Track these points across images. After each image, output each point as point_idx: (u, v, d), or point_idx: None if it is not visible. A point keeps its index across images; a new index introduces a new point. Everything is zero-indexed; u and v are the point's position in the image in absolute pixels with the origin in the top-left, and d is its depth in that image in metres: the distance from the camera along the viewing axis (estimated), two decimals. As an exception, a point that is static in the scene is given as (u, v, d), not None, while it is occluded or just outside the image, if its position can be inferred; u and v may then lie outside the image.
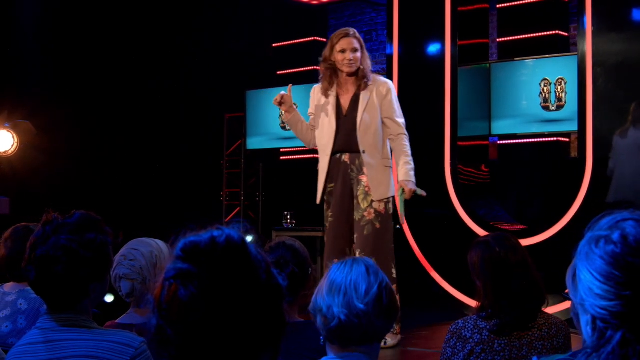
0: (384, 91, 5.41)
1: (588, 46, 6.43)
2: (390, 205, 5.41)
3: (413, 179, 5.35)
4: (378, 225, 5.33)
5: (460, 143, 7.49)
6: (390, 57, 7.89)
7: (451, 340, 3.21)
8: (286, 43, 10.81)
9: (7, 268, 3.73)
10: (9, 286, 3.69)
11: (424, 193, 5.39)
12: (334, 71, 5.44)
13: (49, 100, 8.45)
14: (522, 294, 3.16)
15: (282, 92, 5.46)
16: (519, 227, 7.35)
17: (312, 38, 10.80)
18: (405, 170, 5.36)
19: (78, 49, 8.97)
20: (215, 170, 10.16)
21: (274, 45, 10.90)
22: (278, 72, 10.67)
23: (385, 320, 2.20)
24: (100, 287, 2.53)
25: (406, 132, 5.49)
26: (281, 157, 10.30)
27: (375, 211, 5.33)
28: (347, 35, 5.38)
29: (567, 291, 2.49)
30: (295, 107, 5.58)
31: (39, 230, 2.47)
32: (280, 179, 10.17)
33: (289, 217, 7.92)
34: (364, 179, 5.34)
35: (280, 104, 5.47)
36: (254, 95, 10.03)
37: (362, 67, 5.37)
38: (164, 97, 9.75)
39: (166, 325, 1.31)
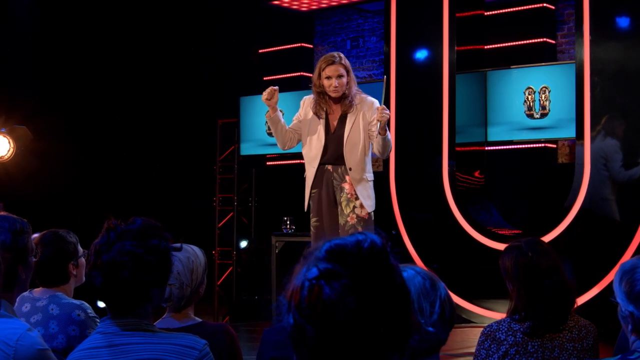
0: (371, 109, 5.58)
1: (586, 55, 6.56)
2: (373, 213, 5.59)
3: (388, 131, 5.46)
4: (360, 229, 5.47)
5: (457, 149, 7.60)
6: (387, 63, 7.98)
7: (485, 342, 3.31)
8: (272, 49, 10.87)
9: (36, 273, 3.75)
10: (38, 291, 3.69)
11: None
12: (324, 94, 5.58)
13: (46, 106, 8.45)
14: (553, 297, 3.28)
15: (276, 87, 5.59)
16: (515, 231, 7.47)
17: (299, 44, 10.87)
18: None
19: (74, 54, 8.98)
20: (208, 176, 10.18)
21: (260, 51, 10.95)
22: (264, 78, 10.72)
23: (448, 332, 2.22)
24: (160, 292, 2.57)
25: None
26: (267, 163, 10.36)
27: (358, 216, 5.51)
28: (333, 62, 5.54)
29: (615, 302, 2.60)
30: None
31: (103, 236, 2.51)
32: (273, 184, 10.23)
33: (288, 222, 7.97)
34: (346, 186, 5.54)
35: (269, 99, 5.59)
36: (248, 102, 10.08)
37: (347, 92, 5.55)
38: (158, 103, 9.77)
39: (306, 324, 1.38)
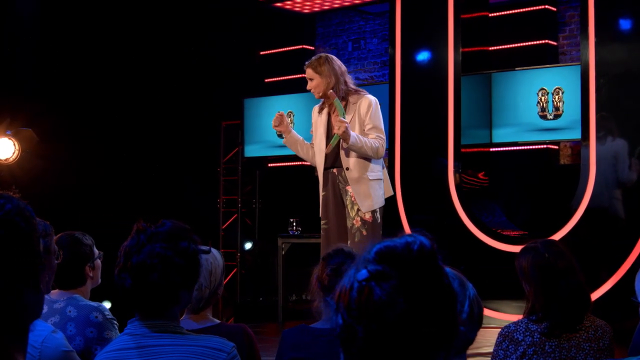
0: (365, 108, 5.54)
1: (591, 57, 6.60)
2: (379, 215, 5.57)
3: (354, 137, 5.35)
4: (365, 232, 5.51)
5: (462, 150, 7.63)
6: (392, 65, 8.00)
7: (503, 343, 3.35)
8: (274, 51, 10.88)
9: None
10: (55, 293, 3.70)
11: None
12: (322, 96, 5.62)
13: (51, 108, 8.45)
14: (570, 297, 3.33)
15: (281, 112, 5.65)
16: (520, 232, 7.51)
17: (300, 46, 10.88)
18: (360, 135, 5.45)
19: (78, 57, 8.99)
20: (212, 178, 10.21)
21: (261, 53, 10.97)
22: (266, 80, 10.75)
23: (476, 332, 2.24)
24: (188, 295, 2.59)
25: (383, 140, 5.57)
26: (269, 164, 10.37)
27: (362, 219, 5.52)
28: (305, 66, 5.58)
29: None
30: (290, 126, 5.78)
31: (132, 238, 2.53)
32: (276, 186, 10.25)
33: (294, 223, 7.97)
34: (349, 189, 5.54)
35: (277, 125, 5.64)
36: (252, 104, 10.10)
37: (324, 91, 5.48)
38: (161, 105, 9.79)
39: (356, 325, 1.40)
